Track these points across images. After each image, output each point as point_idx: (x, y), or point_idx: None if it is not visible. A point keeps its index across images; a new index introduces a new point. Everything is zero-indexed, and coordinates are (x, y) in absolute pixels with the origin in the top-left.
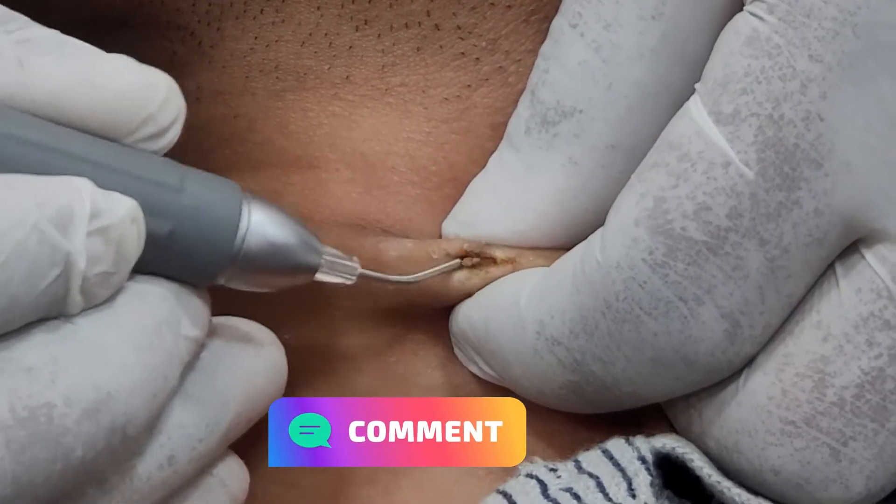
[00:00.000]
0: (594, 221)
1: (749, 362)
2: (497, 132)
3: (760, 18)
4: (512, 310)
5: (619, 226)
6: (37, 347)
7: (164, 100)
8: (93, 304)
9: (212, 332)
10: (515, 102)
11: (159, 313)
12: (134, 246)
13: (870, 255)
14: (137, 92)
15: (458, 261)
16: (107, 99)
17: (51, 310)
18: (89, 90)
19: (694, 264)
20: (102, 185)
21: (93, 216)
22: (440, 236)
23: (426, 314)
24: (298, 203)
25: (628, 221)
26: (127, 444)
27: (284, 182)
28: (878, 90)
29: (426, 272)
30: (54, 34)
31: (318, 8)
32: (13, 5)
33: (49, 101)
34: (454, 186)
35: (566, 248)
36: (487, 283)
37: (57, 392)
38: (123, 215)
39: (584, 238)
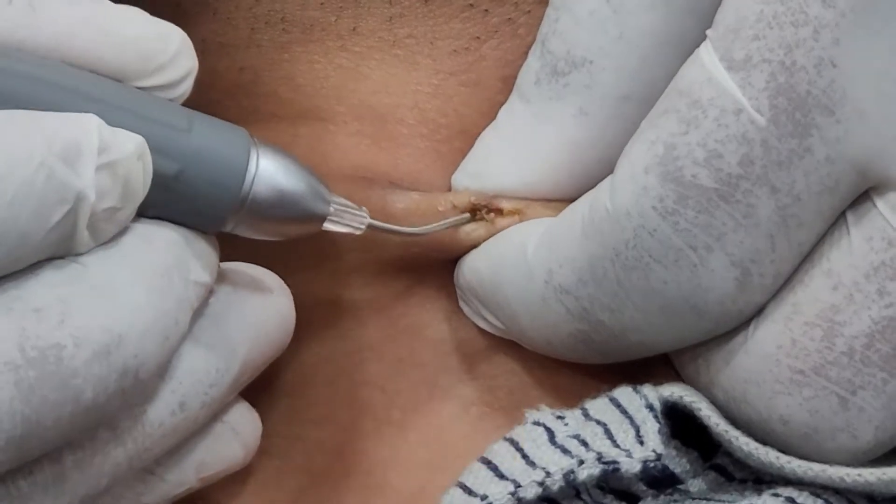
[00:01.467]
0: (604, 173)
1: (758, 311)
2: (507, 85)
3: None
4: (519, 259)
5: (628, 173)
6: (45, 287)
7: (176, 51)
8: (100, 241)
9: (220, 279)
10: (525, 55)
11: (168, 257)
12: (140, 182)
13: (881, 203)
14: (149, 41)
15: (467, 215)
16: (117, 45)
17: (59, 248)
18: (100, 36)
19: (704, 212)
20: (110, 123)
21: (100, 151)
22: (449, 189)
23: (431, 267)
24: (306, 155)
25: (638, 168)
26: (138, 387)
27: (292, 134)
28: (892, 36)
29: (435, 224)
30: None
31: None
32: None
33: (59, 46)
34: (464, 139)
35: (575, 199)
36: (493, 235)
37: (66, 333)
38: (131, 151)
39: None
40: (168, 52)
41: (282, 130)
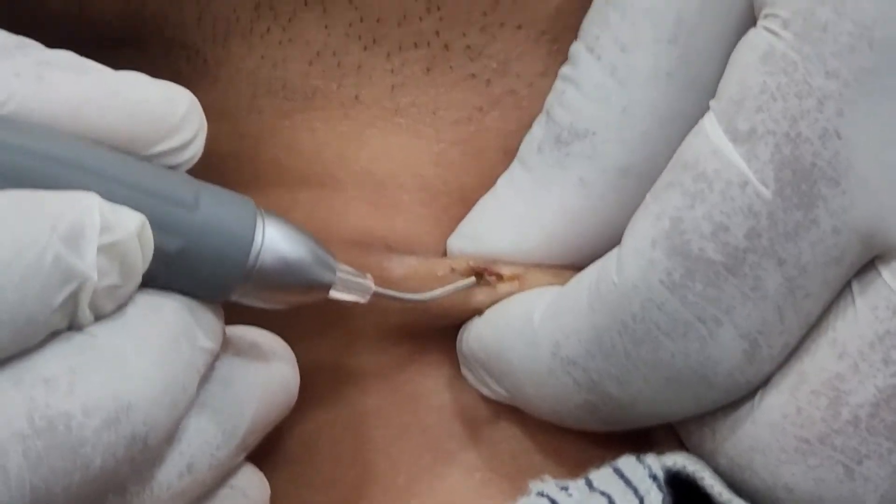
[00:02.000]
0: (601, 243)
1: (765, 380)
2: (508, 156)
3: (775, 34)
4: (525, 329)
5: (635, 246)
6: (55, 358)
7: (185, 112)
8: (101, 316)
9: (225, 343)
10: (527, 127)
11: (175, 325)
12: (139, 260)
13: (886, 272)
14: (158, 103)
15: (472, 279)
16: (127, 109)
17: (60, 324)
18: (110, 100)
19: (712, 285)
20: (113, 198)
21: (101, 231)
22: (445, 253)
23: (433, 332)
24: (304, 220)
25: (645, 242)
26: (147, 454)
27: (291, 200)
28: None
29: (441, 290)
30: (72, 55)
31: (326, 27)
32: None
33: (69, 113)
34: (463, 207)
35: (572, 267)
36: (494, 300)
37: (76, 402)
38: (132, 231)
39: (590, 258)
40: (177, 113)
41: (281, 196)
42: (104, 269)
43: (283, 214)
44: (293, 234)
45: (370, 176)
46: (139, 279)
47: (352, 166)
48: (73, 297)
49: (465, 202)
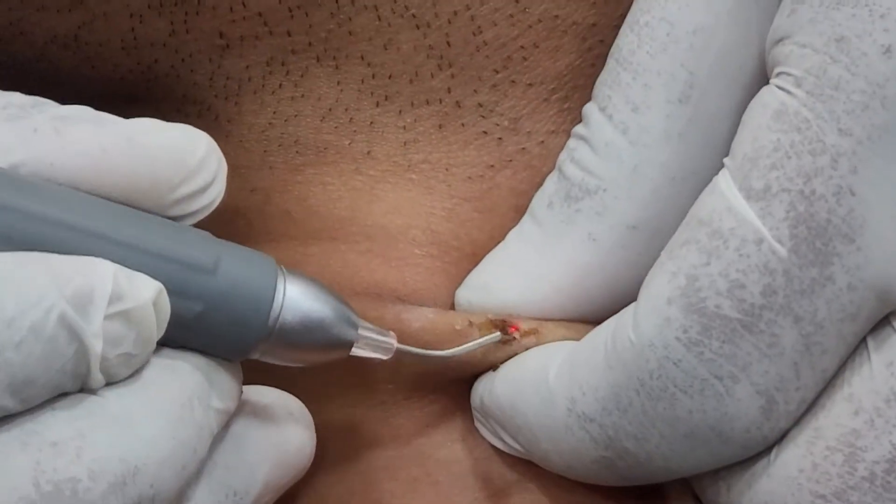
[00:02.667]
0: (610, 298)
1: (782, 435)
2: (519, 214)
3: (788, 92)
4: (541, 385)
5: (651, 304)
6: (62, 421)
7: (204, 153)
8: (115, 381)
9: (241, 402)
10: (539, 185)
11: (189, 387)
12: (154, 329)
13: None
14: (177, 146)
15: (498, 334)
16: (147, 154)
17: (73, 385)
18: (129, 148)
19: (729, 342)
20: (131, 265)
21: (115, 298)
22: (453, 305)
23: (445, 386)
24: (316, 273)
25: (661, 300)
26: None
27: (302, 253)
28: None
29: (464, 346)
30: (87, 109)
31: (338, 83)
32: (23, 78)
33: (89, 165)
34: (474, 262)
35: (581, 320)
36: (510, 355)
37: (82, 466)
38: (147, 299)
39: (599, 312)
40: (197, 154)
41: (292, 249)
42: (118, 336)
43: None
44: (316, 292)
45: (382, 230)
46: (153, 347)
47: (364, 220)
48: (81, 361)
49: (475, 257)
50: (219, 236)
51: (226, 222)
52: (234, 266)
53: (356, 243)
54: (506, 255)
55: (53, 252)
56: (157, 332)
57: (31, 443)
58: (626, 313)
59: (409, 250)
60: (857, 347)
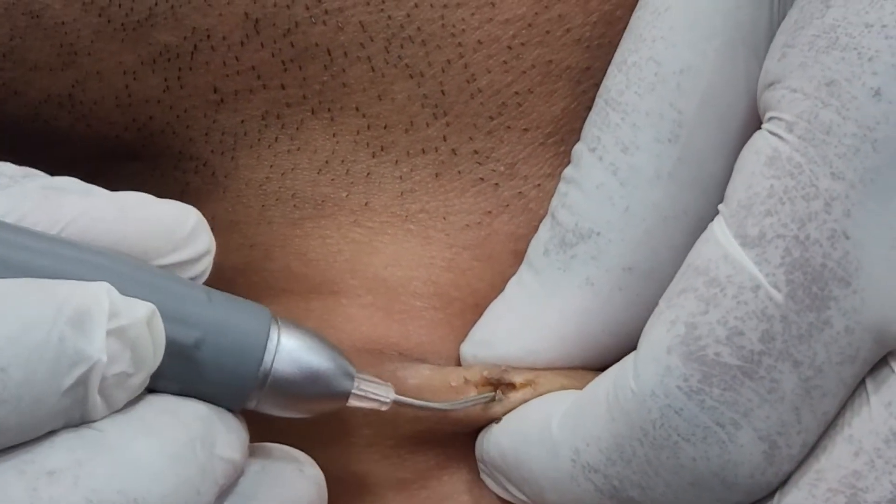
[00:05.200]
0: (611, 342)
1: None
2: (518, 259)
3: (780, 137)
4: (544, 437)
5: (651, 353)
6: (60, 450)
7: (193, 228)
8: (114, 408)
9: (250, 458)
10: (536, 228)
11: (192, 428)
12: (150, 348)
13: None
14: (167, 219)
15: (493, 393)
16: (137, 224)
17: (73, 414)
18: (119, 216)
19: (730, 389)
20: (126, 294)
21: (110, 315)
22: (458, 360)
23: (450, 439)
24: (318, 328)
25: (660, 349)
26: None
27: (304, 308)
28: None
29: (461, 401)
30: (77, 180)
31: (334, 135)
32: (20, 138)
33: (78, 231)
34: (476, 311)
35: (584, 368)
36: (508, 408)
37: (79, 496)
38: (141, 316)
39: (602, 358)
40: (186, 227)
41: (293, 304)
42: (114, 354)
43: (303, 324)
44: (311, 342)
45: (383, 283)
46: (151, 368)
47: (364, 273)
48: (83, 382)
49: (477, 307)
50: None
51: (226, 280)
52: (227, 303)
53: (358, 297)
54: (506, 307)
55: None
56: (153, 355)
57: (28, 471)
58: (627, 362)
59: (411, 303)
60: (857, 389)
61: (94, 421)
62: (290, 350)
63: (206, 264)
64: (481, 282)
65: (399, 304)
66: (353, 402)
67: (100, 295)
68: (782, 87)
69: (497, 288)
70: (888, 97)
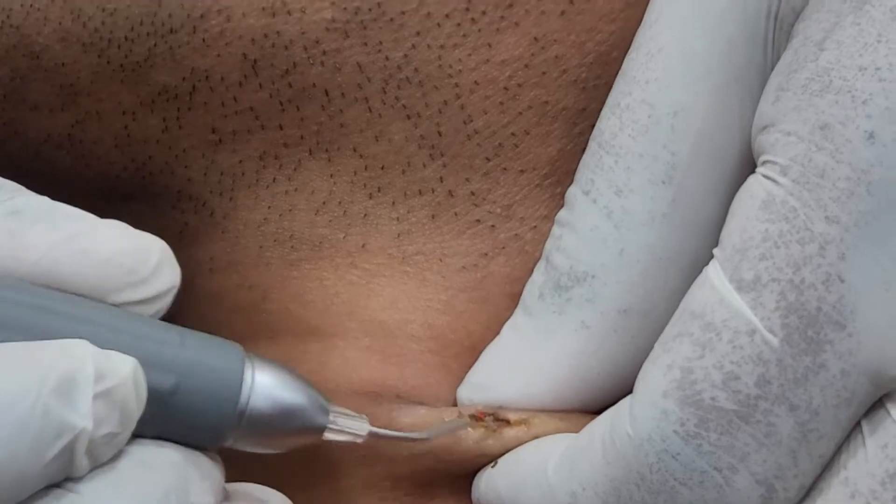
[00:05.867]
0: (606, 385)
1: None
2: (514, 301)
3: (774, 181)
4: (540, 480)
5: (647, 398)
6: None
7: (156, 265)
8: (98, 463)
9: (226, 499)
10: (532, 271)
11: (168, 480)
12: (136, 404)
13: (895, 410)
14: (128, 256)
15: (467, 419)
16: (98, 265)
17: (56, 476)
18: (82, 257)
19: (726, 433)
20: (101, 343)
21: (97, 378)
22: (455, 403)
23: (445, 480)
24: (315, 370)
25: (656, 393)
26: None
27: (302, 350)
28: None
29: (437, 429)
30: (45, 201)
31: (331, 176)
32: (20, 177)
33: (41, 270)
34: (472, 354)
35: (580, 411)
36: (503, 445)
37: None
38: (126, 374)
39: (597, 401)
40: (149, 265)
41: (291, 346)
42: (102, 416)
43: (289, 365)
44: (284, 377)
45: (380, 325)
46: (136, 422)
47: (361, 316)
48: (68, 449)
49: (474, 349)
50: (216, 335)
51: (223, 320)
52: (199, 343)
53: (355, 339)
54: (502, 350)
55: (24, 334)
56: (137, 409)
57: None
58: (623, 406)
59: (408, 346)
60: (852, 431)
61: (76, 478)
62: (264, 387)
63: (169, 300)
64: (477, 324)
65: (396, 348)
66: (328, 436)
67: (84, 358)
68: (776, 130)
69: (493, 330)
70: (882, 140)
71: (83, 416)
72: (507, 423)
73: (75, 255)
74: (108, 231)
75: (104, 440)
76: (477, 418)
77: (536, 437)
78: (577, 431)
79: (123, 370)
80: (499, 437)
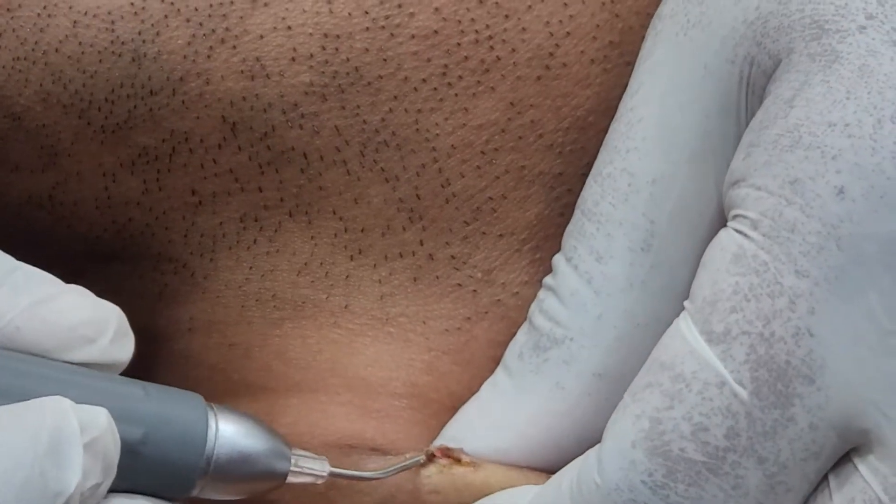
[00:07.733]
0: (575, 447)
1: None
2: (497, 364)
3: (745, 235)
4: None
5: (616, 447)
6: None
7: (113, 336)
8: None
9: None
10: (514, 335)
11: None
12: (115, 453)
13: (862, 465)
14: (89, 327)
15: (421, 457)
16: (58, 333)
17: None
18: (41, 327)
19: (694, 485)
20: (72, 399)
21: (81, 432)
22: None
23: None
24: (294, 423)
25: (625, 443)
26: None
27: (283, 405)
28: (866, 303)
29: (391, 468)
30: (8, 261)
31: (312, 238)
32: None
33: (5, 340)
34: (452, 414)
35: (543, 467)
36: (453, 481)
37: None
38: (105, 425)
39: (564, 462)
40: (107, 335)
41: (272, 402)
42: (88, 468)
43: (270, 419)
44: (246, 425)
45: (362, 382)
46: (115, 471)
47: (344, 373)
48: None
49: (454, 409)
50: (196, 391)
51: (204, 378)
52: (163, 395)
53: (336, 395)
54: (478, 406)
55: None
56: (116, 458)
57: None
58: (591, 455)
59: (390, 402)
60: (820, 484)
61: None
62: (228, 436)
63: (123, 367)
64: (459, 385)
65: (377, 403)
66: (291, 479)
67: (67, 413)
68: (747, 185)
69: (474, 391)
70: (852, 196)
71: (75, 472)
72: (458, 462)
73: (36, 325)
74: (70, 299)
75: (90, 492)
76: (433, 456)
77: (485, 480)
78: (529, 483)
79: (101, 420)
80: (449, 473)
